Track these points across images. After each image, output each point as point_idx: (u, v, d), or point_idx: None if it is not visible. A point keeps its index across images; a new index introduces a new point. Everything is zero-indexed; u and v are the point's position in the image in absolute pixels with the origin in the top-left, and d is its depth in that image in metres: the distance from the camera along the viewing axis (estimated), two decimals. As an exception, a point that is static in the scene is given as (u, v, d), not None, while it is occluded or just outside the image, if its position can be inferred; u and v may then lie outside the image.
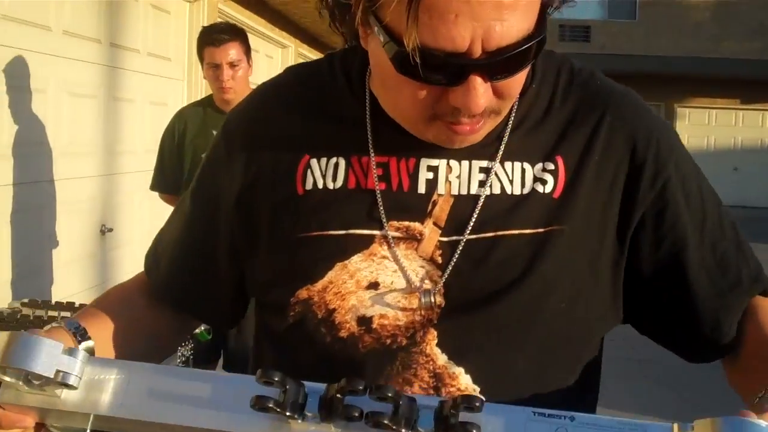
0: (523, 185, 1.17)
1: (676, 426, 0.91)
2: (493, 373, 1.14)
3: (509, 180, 1.18)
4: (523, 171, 1.18)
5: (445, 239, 1.16)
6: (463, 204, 1.16)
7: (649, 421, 0.94)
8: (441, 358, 1.13)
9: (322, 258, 1.17)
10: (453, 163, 1.18)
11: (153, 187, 4.36)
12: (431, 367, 1.13)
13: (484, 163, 1.18)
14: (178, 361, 3.48)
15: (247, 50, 4.13)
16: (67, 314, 3.15)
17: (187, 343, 3.53)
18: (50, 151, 4.84)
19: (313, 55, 11.03)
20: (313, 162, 1.22)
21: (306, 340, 1.18)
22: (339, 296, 1.16)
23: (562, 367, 1.20)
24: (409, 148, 1.19)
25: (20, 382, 0.98)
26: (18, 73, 4.49)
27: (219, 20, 5.49)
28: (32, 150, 4.69)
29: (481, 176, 1.18)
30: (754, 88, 18.70)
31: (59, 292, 4.82)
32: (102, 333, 1.26)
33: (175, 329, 1.44)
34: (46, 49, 4.75)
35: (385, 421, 0.89)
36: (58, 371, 0.97)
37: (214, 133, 1.38)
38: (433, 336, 1.13)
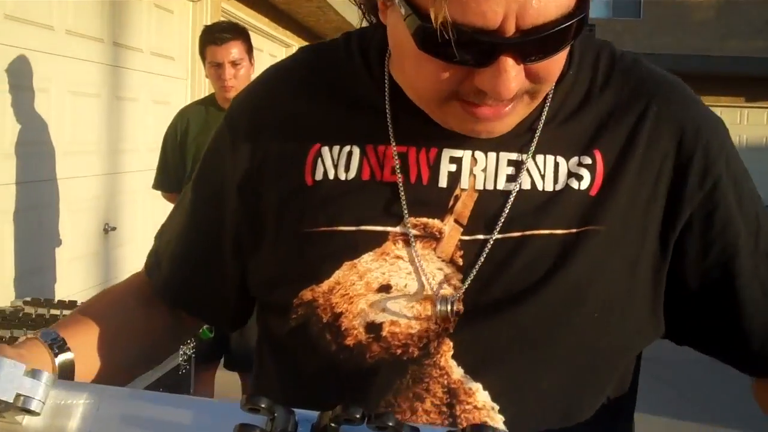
0: (556, 181, 1.05)
1: None
2: (514, 390, 1.02)
3: (541, 175, 1.06)
4: (557, 165, 1.06)
5: (467, 238, 1.04)
6: (488, 200, 1.05)
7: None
8: (456, 372, 1.02)
9: (329, 256, 1.06)
10: (479, 154, 1.07)
11: (155, 186, 4.35)
12: (445, 382, 1.02)
13: (514, 156, 1.06)
14: (180, 359, 3.48)
15: (249, 49, 4.11)
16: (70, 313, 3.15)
17: (189, 341, 3.53)
18: (53, 150, 4.82)
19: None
20: (325, 150, 1.10)
21: (309, 346, 1.07)
22: (346, 299, 1.04)
23: (593, 385, 1.08)
24: (431, 138, 1.07)
25: None
26: (21, 72, 4.46)
27: (222, 19, 5.50)
28: (35, 149, 4.66)
29: (510, 170, 1.06)
30: (759, 86, 18.63)
31: (62, 291, 4.79)
32: (87, 341, 1.16)
33: (172, 333, 1.33)
34: (49, 48, 4.72)
35: None
36: (18, 395, 0.86)
37: None
38: (448, 347, 1.02)
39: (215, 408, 0.89)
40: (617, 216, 1.04)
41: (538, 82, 0.97)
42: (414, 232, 1.04)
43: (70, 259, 5.10)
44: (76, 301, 3.37)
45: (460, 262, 1.03)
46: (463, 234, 1.04)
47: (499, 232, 1.03)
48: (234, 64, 4.00)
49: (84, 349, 1.13)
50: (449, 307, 1.01)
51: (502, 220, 1.03)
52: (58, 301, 3.55)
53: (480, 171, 1.06)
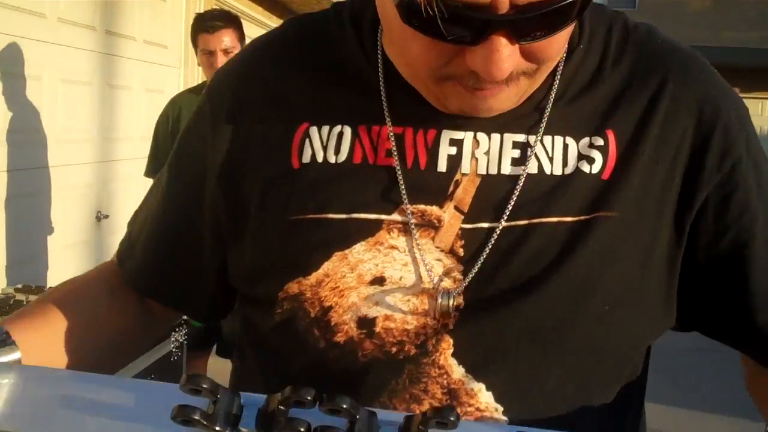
0: (565, 164, 0.97)
1: None
2: (519, 390, 0.94)
3: (549, 158, 0.97)
4: (566, 147, 0.98)
5: (468, 227, 0.96)
6: (491, 185, 0.97)
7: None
8: (457, 372, 0.94)
9: (317, 246, 0.97)
10: (481, 136, 0.98)
11: (147, 174, 4.31)
12: (445, 382, 0.94)
13: (519, 137, 0.98)
14: (172, 346, 3.47)
15: (242, 37, 4.09)
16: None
17: (180, 328, 3.53)
18: (45, 138, 4.77)
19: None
20: (313, 131, 1.01)
21: (295, 343, 0.99)
22: (336, 292, 0.96)
23: (603, 382, 1.00)
24: (429, 118, 0.98)
25: None
26: (12, 59, 4.42)
27: (215, 7, 5.49)
28: (27, 137, 4.61)
29: (515, 153, 0.98)
30: (754, 76, 18.60)
31: (54, 278, 4.75)
32: (38, 336, 1.06)
33: (142, 327, 1.22)
34: (41, 36, 4.66)
35: None
36: None
37: None
38: (448, 344, 0.94)
39: (154, 389, 0.83)
40: (630, 201, 0.96)
41: (536, 63, 0.89)
42: (409, 220, 0.96)
43: (62, 247, 5.07)
44: (67, 289, 3.36)
45: (461, 252, 0.95)
46: (464, 222, 0.96)
47: (504, 221, 0.95)
48: (226, 52, 3.97)
49: (37, 343, 1.04)
50: (450, 302, 0.93)
51: (508, 208, 0.95)
52: (50, 288, 3.54)
53: (483, 154, 0.98)
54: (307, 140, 1.01)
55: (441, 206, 0.97)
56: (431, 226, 0.96)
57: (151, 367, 3.25)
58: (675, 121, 0.98)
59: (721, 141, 0.98)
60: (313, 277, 0.97)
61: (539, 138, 0.98)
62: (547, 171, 0.97)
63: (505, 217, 0.95)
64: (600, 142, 0.98)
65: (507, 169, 0.97)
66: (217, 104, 1.09)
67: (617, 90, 1.00)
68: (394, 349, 0.95)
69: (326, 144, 1.00)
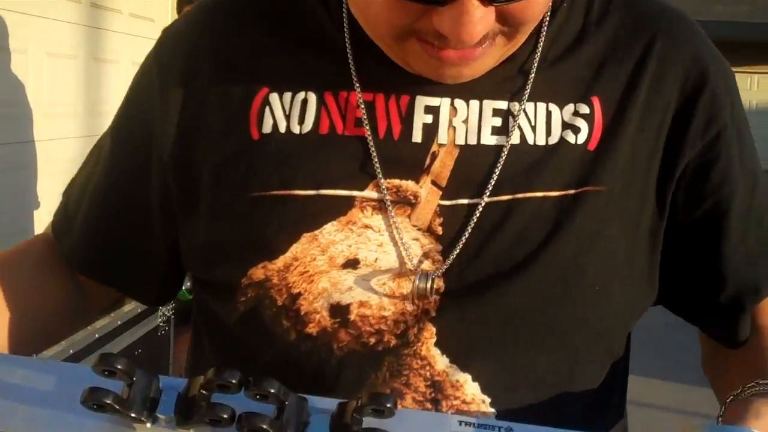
0: (549, 133, 0.90)
1: None
2: (507, 380, 0.88)
3: (531, 126, 0.90)
4: (549, 115, 0.90)
5: (447, 203, 0.88)
6: (471, 157, 0.89)
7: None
8: (441, 362, 0.87)
9: (284, 226, 0.88)
10: (459, 103, 0.90)
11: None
12: (428, 374, 0.87)
13: (501, 104, 0.90)
14: (159, 320, 3.45)
15: None
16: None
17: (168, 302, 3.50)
18: (31, 112, 4.69)
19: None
20: (274, 97, 0.92)
21: (262, 336, 0.90)
22: (306, 277, 0.88)
23: (591, 365, 0.94)
24: (401, 83, 0.90)
25: None
26: (-4, 32, 4.42)
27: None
28: (12, 111, 4.54)
29: (496, 121, 0.90)
30: (744, 51, 18.60)
31: (41, 254, 4.74)
32: None
33: (75, 305, 1.10)
34: (26, 9, 4.58)
35: (264, 426, 0.65)
36: None
37: None
38: (430, 333, 0.87)
39: (63, 370, 0.75)
40: (618, 175, 0.90)
41: (513, 26, 0.81)
42: (383, 196, 0.88)
43: (48, 221, 5.02)
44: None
45: (440, 231, 0.88)
46: (442, 198, 0.88)
47: (486, 196, 0.87)
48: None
49: None
50: (429, 284, 0.85)
51: (489, 182, 0.87)
52: None
53: (461, 123, 0.90)
54: (267, 108, 0.92)
55: (417, 181, 0.89)
56: (407, 202, 0.88)
57: (138, 342, 3.21)
58: (662, 86, 0.92)
59: (708, 106, 0.92)
60: (281, 261, 0.88)
61: (522, 105, 0.90)
62: (530, 141, 0.90)
63: (487, 193, 0.88)
64: (585, 109, 0.91)
65: (487, 139, 0.90)
66: (166, 67, 0.98)
67: (602, 52, 0.93)
68: (372, 340, 0.87)
69: (289, 112, 0.91)
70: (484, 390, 0.87)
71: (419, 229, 0.88)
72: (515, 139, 0.89)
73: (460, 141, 0.89)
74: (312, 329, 0.88)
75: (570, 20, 0.94)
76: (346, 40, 0.92)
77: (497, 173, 0.88)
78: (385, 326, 0.87)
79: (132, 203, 1.01)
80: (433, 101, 0.90)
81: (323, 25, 0.94)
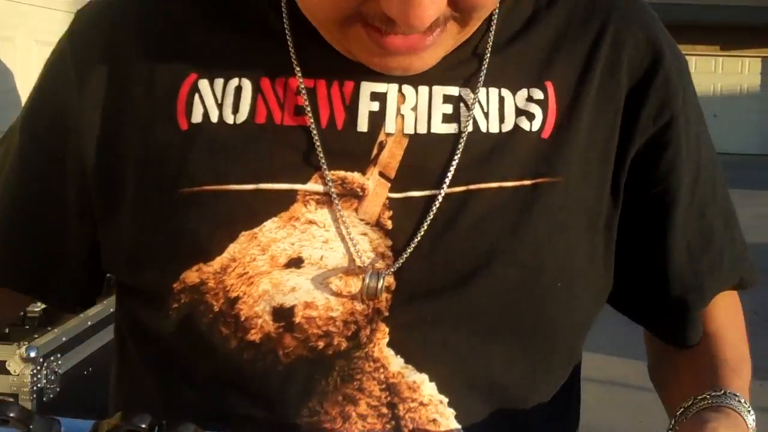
0: (502, 120, 0.84)
1: None
2: (465, 379, 0.83)
3: (484, 113, 0.84)
4: (502, 101, 0.85)
5: (396, 196, 0.82)
6: (421, 147, 0.82)
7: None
8: (395, 363, 0.81)
9: (219, 224, 0.81)
10: (407, 89, 0.83)
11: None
12: (382, 377, 0.81)
13: (452, 90, 0.84)
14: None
15: None
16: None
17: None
18: (19, 100, 4.71)
19: None
20: (203, 84, 0.84)
21: (199, 346, 0.82)
22: (245, 279, 0.80)
23: (552, 362, 0.89)
24: (345, 68, 0.82)
25: None
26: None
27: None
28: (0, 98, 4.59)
29: (447, 108, 0.83)
30: (734, 34, 18.60)
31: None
32: None
33: None
34: (13, -4, 4.63)
35: None
36: None
37: None
38: (383, 333, 0.81)
39: None
40: (575, 164, 0.84)
41: (466, 10, 0.74)
42: (328, 189, 0.81)
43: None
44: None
45: (389, 225, 0.81)
46: (391, 191, 0.82)
47: (437, 188, 0.81)
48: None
49: None
50: (379, 283, 0.79)
51: (440, 173, 0.82)
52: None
53: (409, 110, 0.83)
54: (196, 96, 0.83)
55: (364, 173, 0.82)
56: (353, 195, 0.82)
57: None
58: (616, 70, 0.87)
59: (661, 92, 0.88)
60: (217, 263, 0.81)
61: (475, 91, 0.84)
62: (483, 129, 0.84)
63: (439, 184, 0.81)
64: (539, 95, 0.85)
65: (438, 127, 0.83)
66: (83, 50, 0.88)
67: (555, 35, 0.87)
68: (320, 344, 0.80)
69: (222, 101, 0.83)
70: (442, 390, 0.82)
71: (367, 224, 0.82)
72: (467, 127, 0.83)
73: (409, 130, 0.83)
74: (254, 336, 0.81)
75: (521, 1, 0.88)
76: (285, 22, 0.84)
77: (449, 164, 0.82)
78: (334, 328, 0.81)
79: (45, 204, 0.91)
80: (380, 87, 0.83)
81: (260, 7, 0.86)
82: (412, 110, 0.83)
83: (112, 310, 2.87)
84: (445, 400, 0.82)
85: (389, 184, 0.82)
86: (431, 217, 0.81)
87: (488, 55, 0.85)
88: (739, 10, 17.73)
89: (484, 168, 0.83)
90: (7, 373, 2.41)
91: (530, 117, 0.85)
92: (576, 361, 0.94)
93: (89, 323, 2.73)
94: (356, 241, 0.81)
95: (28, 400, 2.43)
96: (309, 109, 0.82)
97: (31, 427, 0.61)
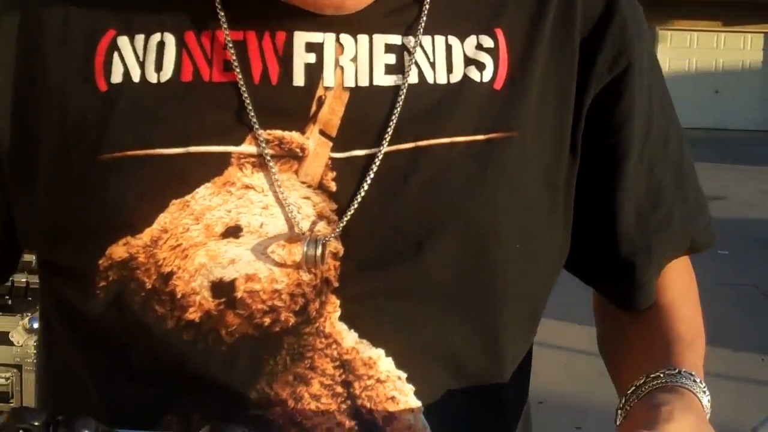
0: (450, 70, 0.77)
1: None
2: (423, 352, 0.77)
3: (430, 63, 0.77)
4: (449, 49, 0.78)
5: (339, 156, 0.75)
6: (363, 101, 0.76)
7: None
8: (349, 339, 0.75)
9: (147, 192, 0.74)
10: (345, 39, 0.76)
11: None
12: (335, 353, 0.75)
13: (394, 39, 0.77)
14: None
15: None
16: None
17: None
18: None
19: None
20: (123, 41, 0.76)
21: (132, 328, 0.75)
22: (178, 252, 0.74)
23: (513, 331, 0.83)
24: (276, 17, 0.75)
25: None
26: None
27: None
28: None
29: (389, 58, 0.77)
30: (736, 10, 18.46)
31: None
32: None
33: None
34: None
35: None
36: None
37: None
38: (334, 306, 0.75)
39: None
40: (530, 117, 0.78)
41: None
42: (265, 150, 0.74)
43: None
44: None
45: (333, 187, 0.75)
46: (333, 150, 0.75)
47: (384, 145, 0.75)
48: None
49: None
50: (318, 251, 0.73)
51: (386, 129, 0.75)
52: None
53: (349, 61, 0.76)
54: (115, 54, 0.76)
55: (303, 131, 0.75)
56: (293, 156, 0.75)
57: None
58: (570, 16, 0.81)
59: (617, 40, 0.82)
60: (146, 235, 0.73)
61: (418, 39, 0.77)
62: (430, 80, 0.77)
63: (385, 141, 0.75)
64: (489, 42, 0.79)
65: (381, 79, 0.76)
66: None
67: None
68: (266, 320, 0.74)
69: (143, 58, 0.76)
70: (400, 365, 0.76)
71: (309, 186, 0.75)
72: (413, 78, 0.77)
73: (350, 83, 0.76)
74: (193, 314, 0.74)
75: None
76: None
77: (395, 118, 0.75)
78: (280, 302, 0.74)
79: None
80: (315, 37, 0.76)
81: None
82: (352, 61, 0.76)
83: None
84: (404, 375, 0.76)
85: (331, 143, 0.75)
86: (377, 176, 0.74)
87: (428, 1, 0.78)
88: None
89: (434, 122, 0.76)
90: (11, 344, 2.41)
91: (480, 67, 0.78)
92: (536, 323, 0.88)
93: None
94: (298, 205, 0.75)
95: (31, 371, 2.43)
96: (238, 63, 0.75)
97: None
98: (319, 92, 0.75)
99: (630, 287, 0.88)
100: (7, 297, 2.56)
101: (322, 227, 0.74)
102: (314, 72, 0.75)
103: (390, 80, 0.76)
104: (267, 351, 0.74)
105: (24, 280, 2.58)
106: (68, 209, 0.75)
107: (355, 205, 0.74)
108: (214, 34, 0.76)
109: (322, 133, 0.75)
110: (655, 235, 0.86)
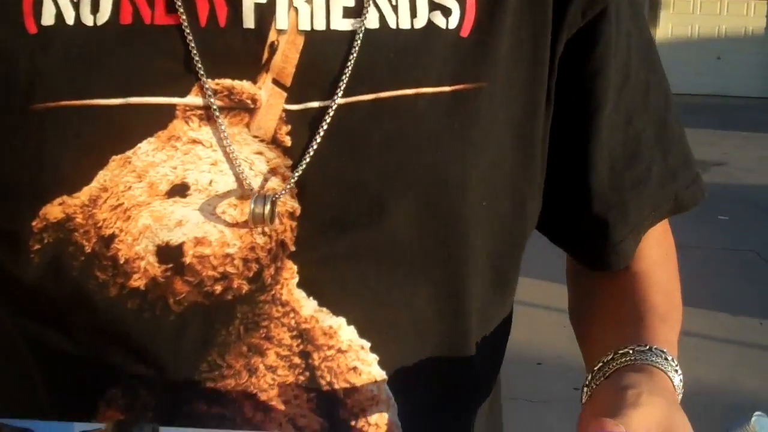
0: (413, 15, 0.70)
1: None
2: (386, 319, 0.71)
3: (392, 6, 0.70)
4: None
5: (294, 108, 0.68)
6: (320, 47, 0.68)
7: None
8: (307, 307, 0.69)
9: (84, 147, 0.67)
10: None
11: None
12: (293, 323, 0.69)
13: None
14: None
15: None
16: None
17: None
18: None
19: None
20: None
21: (71, 296, 0.68)
22: (120, 213, 0.67)
23: (482, 299, 0.77)
24: None
25: None
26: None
27: None
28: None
29: (348, 0, 0.70)
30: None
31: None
32: None
33: None
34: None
35: None
36: None
37: None
38: (291, 272, 0.69)
39: None
40: (500, 67, 0.72)
41: None
42: (213, 102, 0.67)
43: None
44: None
45: (288, 142, 0.68)
46: (288, 101, 0.68)
47: (342, 96, 0.68)
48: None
49: None
50: (267, 208, 0.66)
51: (345, 78, 0.68)
52: None
53: (303, 2, 0.69)
54: None
55: (254, 80, 0.68)
56: (244, 108, 0.68)
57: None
58: None
59: None
60: (84, 194, 0.67)
61: None
62: (392, 25, 0.70)
63: (342, 92, 0.68)
64: None
65: (339, 23, 0.69)
66: None
67: None
68: (217, 288, 0.68)
69: None
70: (363, 334, 0.71)
71: (262, 141, 0.68)
72: (373, 22, 0.70)
73: (305, 26, 0.69)
74: (137, 281, 0.68)
75: None
76: None
77: (354, 66, 0.68)
78: (232, 268, 0.68)
79: None
80: None
81: None
82: (307, 2, 0.69)
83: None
84: (367, 345, 0.71)
85: (285, 94, 0.68)
86: (335, 130, 0.68)
87: None
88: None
89: (396, 71, 0.69)
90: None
91: (446, 12, 0.71)
92: (508, 284, 0.81)
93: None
94: (251, 162, 0.68)
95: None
96: (182, 4, 0.68)
97: None
98: (272, 36, 0.68)
99: (602, 247, 0.81)
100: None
101: (275, 184, 0.68)
102: (266, 13, 0.68)
103: (348, 24, 0.69)
104: (219, 320, 0.68)
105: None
106: None
107: (307, 159, 0.67)
108: None
109: (276, 82, 0.68)
110: (632, 192, 0.80)
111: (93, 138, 0.67)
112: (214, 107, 0.67)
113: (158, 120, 0.67)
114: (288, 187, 0.67)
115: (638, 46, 0.79)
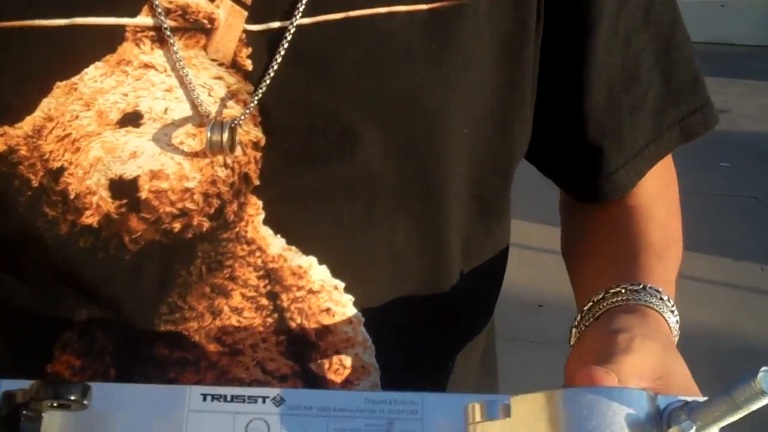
0: None
1: (477, 407, 0.49)
2: (361, 257, 0.66)
3: None
4: None
5: (255, 28, 0.61)
6: None
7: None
8: (275, 245, 0.63)
9: (25, 73, 0.61)
10: None
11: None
12: (259, 262, 0.64)
13: None
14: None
15: None
16: None
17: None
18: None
19: None
20: None
21: (19, 234, 0.63)
22: (68, 144, 0.61)
23: (464, 232, 0.70)
24: None
25: None
26: None
27: None
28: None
29: None
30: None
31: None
32: None
33: None
34: None
35: None
36: None
37: None
38: (256, 208, 0.63)
39: None
40: None
41: None
42: (167, 22, 0.61)
43: None
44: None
45: (249, 65, 0.62)
46: (248, 21, 0.61)
47: (309, 14, 0.61)
48: None
49: None
50: (225, 135, 0.60)
51: None
52: None
53: None
54: None
55: None
56: (200, 29, 0.61)
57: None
58: None
59: None
60: (27, 124, 0.61)
61: None
62: None
63: (309, 10, 0.61)
64: None
65: None
66: None
67: None
68: (176, 225, 0.62)
69: None
70: (336, 274, 0.65)
71: (221, 65, 0.62)
72: None
73: None
74: (90, 218, 0.62)
75: None
76: None
77: None
78: (192, 204, 0.62)
79: None
80: None
81: None
82: None
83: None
84: (341, 285, 0.65)
85: (245, 13, 0.61)
86: (303, 53, 0.61)
87: None
88: None
89: None
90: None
91: None
92: (495, 213, 0.74)
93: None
94: (209, 87, 0.61)
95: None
96: None
97: None
98: None
99: (595, 176, 0.74)
100: None
101: (236, 112, 0.61)
102: None
103: None
104: (178, 260, 0.63)
105: None
106: None
107: (268, 81, 0.60)
108: None
109: (235, 0, 0.61)
110: (627, 117, 0.72)
111: (34, 62, 0.61)
112: (167, 27, 0.60)
113: (106, 42, 0.60)
114: (247, 112, 0.60)
115: None
